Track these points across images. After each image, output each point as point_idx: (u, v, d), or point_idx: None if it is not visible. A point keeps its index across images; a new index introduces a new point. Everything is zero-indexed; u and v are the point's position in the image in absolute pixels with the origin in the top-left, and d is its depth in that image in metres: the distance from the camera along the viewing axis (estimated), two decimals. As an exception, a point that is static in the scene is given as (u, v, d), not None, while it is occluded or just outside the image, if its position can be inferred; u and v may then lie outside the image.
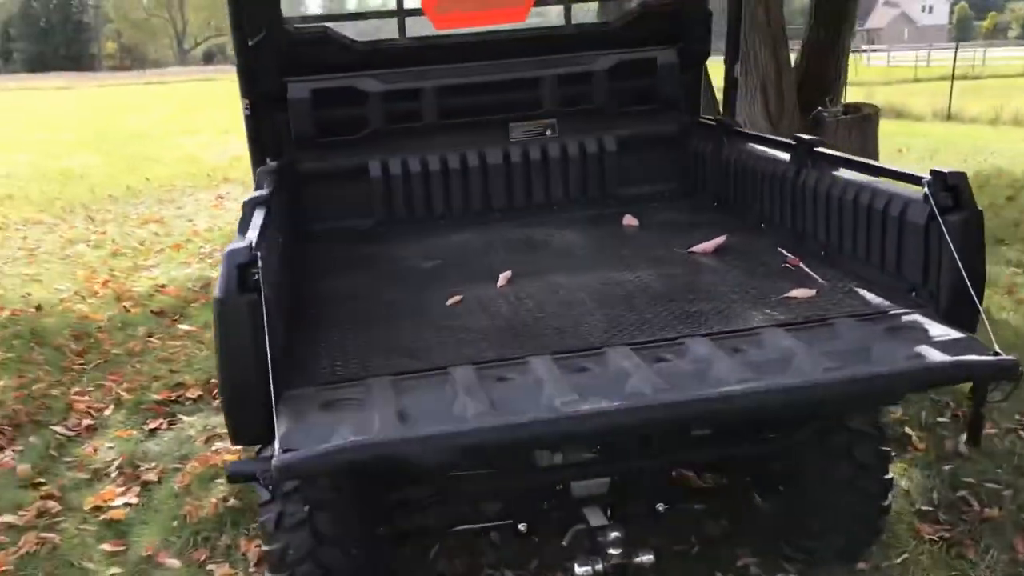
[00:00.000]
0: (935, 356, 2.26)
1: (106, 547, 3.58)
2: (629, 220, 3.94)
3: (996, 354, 2.22)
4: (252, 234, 2.35)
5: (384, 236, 3.97)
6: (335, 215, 4.12)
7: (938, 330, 2.42)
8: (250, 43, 3.76)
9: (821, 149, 3.21)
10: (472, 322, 2.78)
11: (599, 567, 2.60)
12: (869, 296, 2.74)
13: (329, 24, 4.16)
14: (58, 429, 4.61)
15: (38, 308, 6.62)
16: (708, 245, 3.37)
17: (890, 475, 2.99)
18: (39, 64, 69.50)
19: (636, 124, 4.30)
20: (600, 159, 4.28)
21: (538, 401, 2.14)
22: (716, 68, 4.73)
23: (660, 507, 2.94)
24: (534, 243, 3.71)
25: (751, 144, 3.77)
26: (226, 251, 2.15)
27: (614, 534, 2.63)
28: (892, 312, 2.58)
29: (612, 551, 2.61)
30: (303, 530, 2.65)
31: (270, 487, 2.23)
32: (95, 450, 4.40)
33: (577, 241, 3.69)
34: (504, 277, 3.16)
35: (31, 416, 4.75)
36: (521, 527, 2.89)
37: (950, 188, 2.47)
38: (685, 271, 3.15)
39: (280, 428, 2.07)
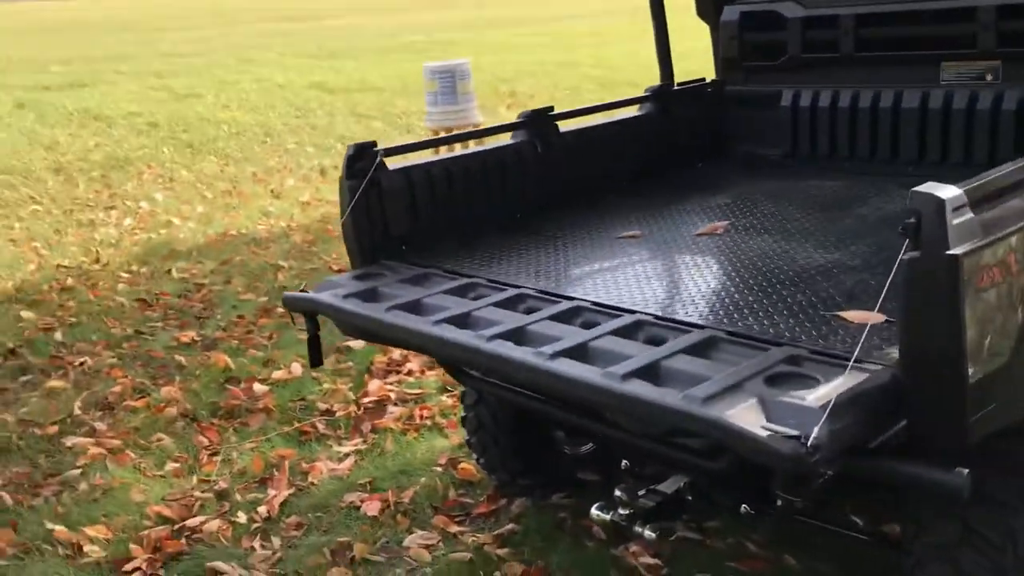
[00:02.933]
0: (723, 412, 1.82)
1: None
2: None
3: (792, 437, 1.72)
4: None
5: (770, 171, 3.97)
6: (750, 141, 4.15)
7: (814, 391, 1.88)
8: None
9: None
10: (601, 256, 3.00)
11: (608, 517, 2.72)
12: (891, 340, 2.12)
13: None
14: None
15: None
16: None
17: None
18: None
19: None
20: None
21: (422, 322, 2.47)
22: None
23: (744, 509, 2.64)
24: (840, 205, 3.38)
25: None
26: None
27: (620, 493, 2.68)
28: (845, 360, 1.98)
29: (621, 511, 2.69)
30: (472, 412, 3.41)
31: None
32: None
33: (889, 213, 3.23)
34: (720, 226, 3.20)
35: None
36: (624, 464, 3.05)
37: (911, 213, 1.79)
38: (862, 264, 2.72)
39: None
